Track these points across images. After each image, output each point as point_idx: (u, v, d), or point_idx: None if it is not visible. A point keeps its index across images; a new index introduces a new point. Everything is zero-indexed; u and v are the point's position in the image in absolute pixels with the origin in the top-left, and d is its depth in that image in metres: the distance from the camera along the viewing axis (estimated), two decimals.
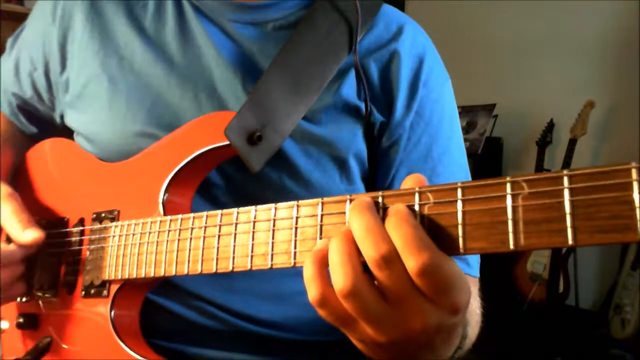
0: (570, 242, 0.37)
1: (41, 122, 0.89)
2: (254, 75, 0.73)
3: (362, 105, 0.74)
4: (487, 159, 3.06)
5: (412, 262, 0.41)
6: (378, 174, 0.78)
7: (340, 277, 0.43)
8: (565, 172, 0.38)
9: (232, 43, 0.75)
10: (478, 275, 0.75)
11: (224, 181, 0.72)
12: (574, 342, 2.55)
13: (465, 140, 3.24)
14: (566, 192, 0.38)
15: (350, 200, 0.48)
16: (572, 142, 2.67)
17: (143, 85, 0.74)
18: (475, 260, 0.75)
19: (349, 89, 0.74)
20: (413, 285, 0.43)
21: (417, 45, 0.79)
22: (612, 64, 2.85)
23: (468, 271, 0.73)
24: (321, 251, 0.46)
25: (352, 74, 0.75)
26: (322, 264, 0.46)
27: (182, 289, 0.72)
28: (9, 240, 0.74)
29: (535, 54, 3.11)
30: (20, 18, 3.06)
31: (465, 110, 3.11)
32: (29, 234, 0.72)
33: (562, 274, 2.68)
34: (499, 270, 2.70)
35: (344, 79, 0.74)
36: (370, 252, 0.43)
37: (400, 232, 0.42)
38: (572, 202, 0.37)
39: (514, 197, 0.40)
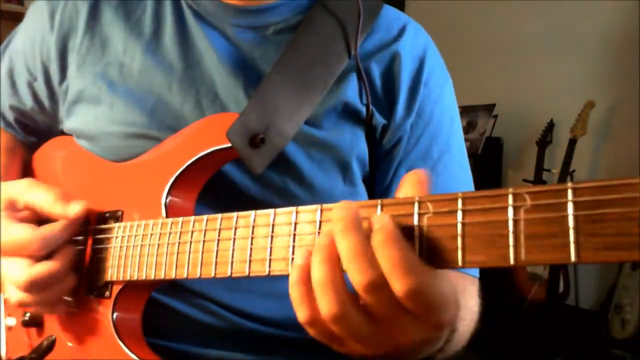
0: (573, 258, 0.35)
1: (39, 133, 0.88)
2: (256, 80, 0.73)
3: (364, 108, 0.74)
4: (487, 159, 3.06)
5: (398, 286, 0.41)
6: (377, 174, 0.78)
7: (326, 302, 0.43)
8: (569, 184, 0.36)
9: (232, 47, 0.75)
10: (478, 275, 0.75)
11: (227, 184, 0.71)
12: (574, 342, 2.55)
13: (465, 140, 3.20)
14: (570, 206, 0.36)
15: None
16: (572, 142, 2.67)
17: (144, 89, 0.74)
18: None
19: (351, 91, 0.74)
20: (400, 307, 0.42)
21: (418, 46, 0.79)
22: (612, 64, 2.85)
23: (468, 272, 0.73)
24: (304, 268, 0.45)
25: (354, 77, 0.75)
26: (307, 284, 0.45)
27: (183, 287, 0.72)
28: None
29: (535, 54, 3.11)
30: (20, 18, 3.04)
31: (465, 110, 3.10)
32: (74, 206, 0.68)
33: (562, 274, 2.68)
34: (499, 270, 2.70)
35: (345, 82, 0.74)
36: (357, 278, 0.42)
37: (386, 253, 0.41)
38: (576, 217, 0.36)
39: (515, 209, 0.38)
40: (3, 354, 0.77)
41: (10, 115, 0.87)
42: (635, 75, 2.66)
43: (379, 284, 0.42)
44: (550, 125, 2.88)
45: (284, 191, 0.72)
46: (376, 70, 0.76)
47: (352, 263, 0.42)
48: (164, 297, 0.72)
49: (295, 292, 0.45)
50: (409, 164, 0.76)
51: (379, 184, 0.78)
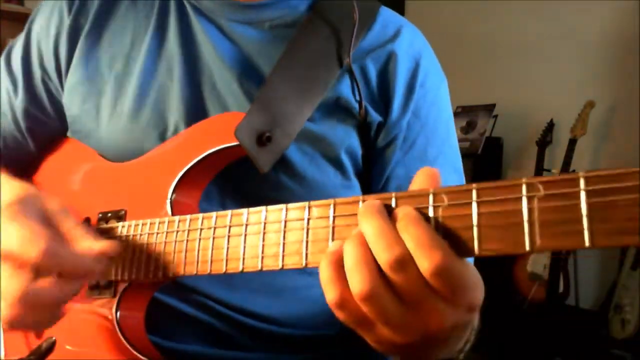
0: (587, 243, 0.37)
1: (43, 146, 0.85)
2: (252, 74, 0.75)
3: (357, 105, 0.75)
4: (487, 159, 3.06)
5: (425, 263, 0.41)
6: (373, 173, 0.79)
7: (357, 281, 0.43)
8: (581, 174, 0.38)
9: (229, 42, 0.77)
10: None
11: (220, 178, 0.72)
12: (574, 342, 2.55)
13: (465, 140, 3.25)
14: (583, 194, 0.38)
15: (363, 202, 0.47)
16: (572, 142, 2.68)
17: (147, 81, 0.76)
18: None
19: (345, 87, 0.75)
20: (428, 286, 0.43)
21: (414, 47, 0.80)
22: (612, 64, 2.86)
23: None
24: (336, 253, 0.45)
25: (347, 74, 0.76)
26: (339, 265, 0.45)
27: (180, 284, 0.72)
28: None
29: (535, 54, 3.12)
30: (20, 18, 3.05)
31: (465, 110, 3.11)
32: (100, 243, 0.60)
33: (562, 274, 2.68)
34: (499, 270, 2.71)
35: (339, 78, 0.75)
36: (383, 256, 0.43)
37: (411, 233, 0.42)
38: (588, 204, 0.37)
39: (529, 198, 0.40)
40: (2, 356, 0.77)
41: (23, 123, 0.83)
42: (635, 75, 2.67)
43: (405, 261, 0.42)
44: (550, 125, 2.88)
45: (277, 184, 0.72)
46: (372, 68, 0.77)
47: (377, 243, 0.43)
48: (159, 294, 0.72)
49: (325, 273, 0.45)
50: (405, 164, 0.77)
51: (375, 183, 0.79)
